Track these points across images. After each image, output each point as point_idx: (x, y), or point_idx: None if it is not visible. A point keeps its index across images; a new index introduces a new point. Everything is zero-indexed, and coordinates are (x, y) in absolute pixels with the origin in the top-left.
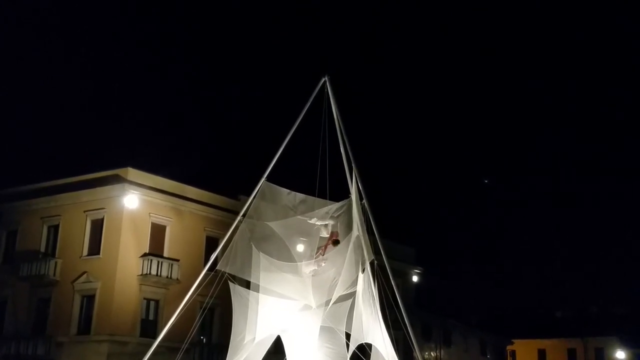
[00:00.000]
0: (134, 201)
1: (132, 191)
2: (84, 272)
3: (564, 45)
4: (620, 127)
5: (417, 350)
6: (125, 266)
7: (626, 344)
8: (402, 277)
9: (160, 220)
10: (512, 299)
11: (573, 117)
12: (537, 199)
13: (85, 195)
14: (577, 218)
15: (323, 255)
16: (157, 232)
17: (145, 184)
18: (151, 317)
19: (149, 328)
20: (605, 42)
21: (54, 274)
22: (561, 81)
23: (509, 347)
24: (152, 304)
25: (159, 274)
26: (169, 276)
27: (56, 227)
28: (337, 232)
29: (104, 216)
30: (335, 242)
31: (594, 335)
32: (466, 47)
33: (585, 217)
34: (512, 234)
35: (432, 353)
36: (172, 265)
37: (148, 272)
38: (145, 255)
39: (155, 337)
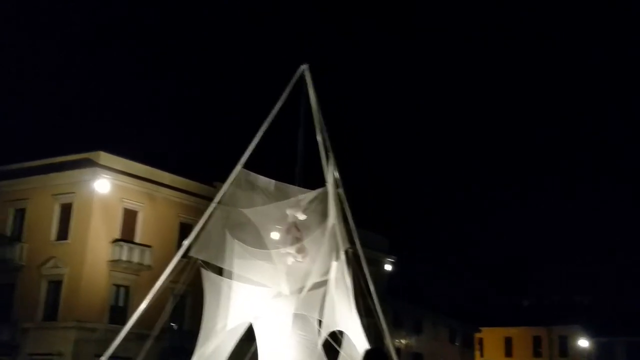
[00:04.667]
0: (105, 185)
1: (103, 175)
2: (52, 257)
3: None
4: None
5: (388, 337)
6: (95, 251)
7: (589, 332)
8: (375, 266)
9: (132, 205)
10: (481, 288)
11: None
12: (506, 189)
13: (55, 178)
14: (542, 209)
15: (297, 245)
16: (129, 217)
17: (117, 168)
18: (121, 303)
19: (119, 315)
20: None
21: (20, 259)
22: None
23: (477, 335)
24: (122, 290)
25: (130, 260)
26: (140, 262)
27: (23, 211)
28: (296, 222)
29: (73, 200)
30: (291, 232)
31: (558, 324)
32: (443, 35)
33: (550, 208)
34: (483, 224)
35: (402, 340)
36: (143, 251)
37: (119, 257)
38: (116, 240)
39: (124, 324)
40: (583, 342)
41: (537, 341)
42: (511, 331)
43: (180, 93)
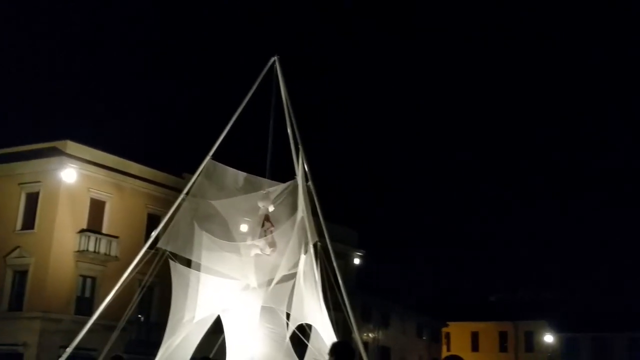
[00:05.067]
0: (72, 175)
1: (70, 165)
2: (17, 247)
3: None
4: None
5: (356, 331)
6: (61, 242)
7: (554, 328)
8: (344, 259)
9: (99, 195)
10: (449, 283)
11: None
12: (477, 184)
13: (20, 167)
14: (510, 205)
15: (264, 237)
16: (96, 207)
17: (84, 157)
18: (87, 294)
19: (85, 306)
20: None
21: None
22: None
23: (444, 329)
24: (88, 281)
25: (96, 250)
26: (108, 253)
27: None
28: (267, 214)
29: (39, 190)
30: (262, 225)
31: (524, 319)
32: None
33: (518, 205)
34: (452, 220)
35: (370, 334)
36: (110, 242)
37: (85, 248)
38: (82, 231)
39: (90, 315)
40: (548, 338)
41: (503, 336)
42: (478, 326)
43: (152, 85)
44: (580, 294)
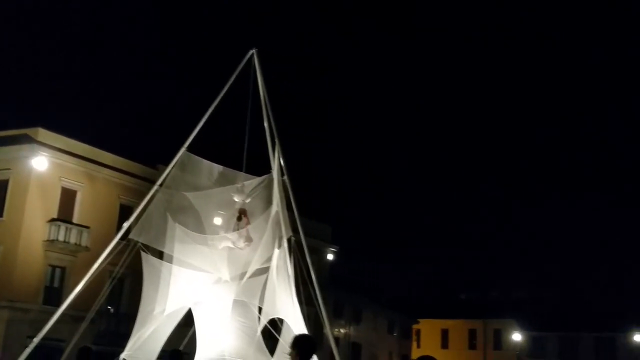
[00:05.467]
0: (43, 163)
1: (41, 153)
2: None
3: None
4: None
5: (327, 326)
6: (31, 231)
7: (522, 326)
8: (318, 255)
9: (71, 184)
10: (420, 281)
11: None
12: (448, 182)
13: None
14: (480, 204)
15: (237, 230)
16: (67, 197)
17: (56, 146)
18: (56, 284)
19: (54, 296)
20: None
21: None
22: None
23: (414, 326)
24: (57, 271)
25: (67, 240)
26: (78, 243)
27: None
28: (244, 208)
29: (9, 177)
30: (239, 218)
31: (493, 318)
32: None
33: (489, 204)
34: (424, 218)
35: (342, 330)
36: (81, 232)
37: (55, 237)
38: (53, 220)
39: (59, 306)
40: (516, 336)
41: (472, 334)
42: (448, 323)
43: (127, 74)
44: (549, 293)
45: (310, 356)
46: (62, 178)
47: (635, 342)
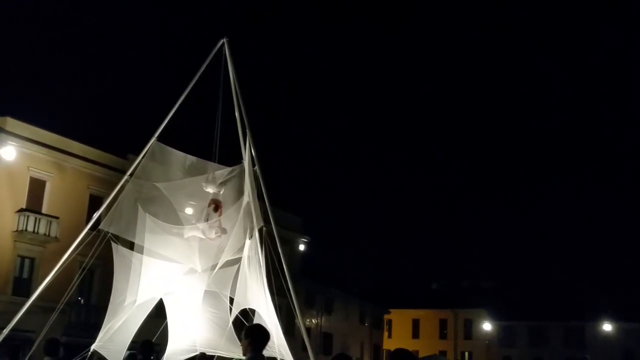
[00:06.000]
0: (11, 153)
1: (9, 142)
2: None
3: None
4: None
5: (299, 317)
6: None
7: (492, 316)
8: (289, 245)
9: (40, 175)
10: (391, 271)
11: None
12: (422, 176)
13: None
14: (449, 197)
15: (207, 221)
16: (36, 187)
17: (24, 135)
18: (25, 275)
19: (23, 287)
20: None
21: None
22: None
23: (386, 316)
24: (27, 261)
25: (36, 230)
26: (47, 234)
27: None
28: (219, 200)
29: None
30: (216, 209)
31: (464, 307)
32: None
33: (458, 196)
34: (395, 209)
35: (313, 320)
36: (50, 222)
37: (24, 228)
38: (21, 210)
39: (29, 297)
40: (487, 326)
41: (443, 323)
42: (419, 313)
43: (98, 63)
44: (518, 284)
45: (263, 346)
46: (30, 168)
47: (604, 331)
